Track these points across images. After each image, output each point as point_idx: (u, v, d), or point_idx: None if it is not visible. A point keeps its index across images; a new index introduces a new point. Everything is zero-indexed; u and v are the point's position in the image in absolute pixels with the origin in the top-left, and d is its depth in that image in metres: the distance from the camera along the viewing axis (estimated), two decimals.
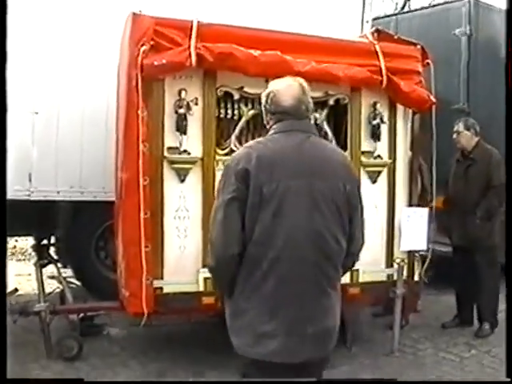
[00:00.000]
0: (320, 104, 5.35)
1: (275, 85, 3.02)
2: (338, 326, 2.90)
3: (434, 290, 7.70)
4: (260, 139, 3.04)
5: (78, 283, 6.98)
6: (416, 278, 5.94)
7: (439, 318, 6.89)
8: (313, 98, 5.09)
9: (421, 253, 6.01)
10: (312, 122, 3.15)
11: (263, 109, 3.04)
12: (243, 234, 2.68)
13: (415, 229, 5.62)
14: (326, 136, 5.36)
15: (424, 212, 5.68)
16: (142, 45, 4.68)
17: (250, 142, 3.11)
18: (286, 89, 2.97)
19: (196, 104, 4.95)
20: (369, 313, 6.66)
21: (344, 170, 2.93)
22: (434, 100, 5.58)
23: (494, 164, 6.32)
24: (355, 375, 5.19)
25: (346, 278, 5.21)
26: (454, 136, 6.46)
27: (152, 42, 4.73)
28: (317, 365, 2.86)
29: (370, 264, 5.56)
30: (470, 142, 6.46)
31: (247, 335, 2.73)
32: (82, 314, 5.68)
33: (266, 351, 2.67)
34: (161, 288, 4.84)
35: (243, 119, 5.16)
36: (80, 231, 6.95)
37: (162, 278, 4.78)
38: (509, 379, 3.51)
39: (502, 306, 6.69)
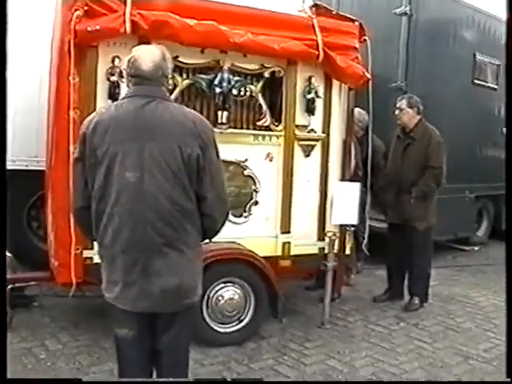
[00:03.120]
0: (255, 76, 5.36)
1: (137, 50, 3.13)
2: (185, 284, 3.10)
3: (369, 265, 7.84)
4: (110, 103, 3.20)
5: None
6: (348, 251, 6.01)
7: (371, 291, 7.04)
8: (248, 70, 5.27)
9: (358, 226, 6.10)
10: (165, 88, 3.18)
11: (124, 73, 3.18)
12: (87, 190, 3.05)
13: (347, 203, 5.69)
14: (260, 108, 5.36)
15: (355, 187, 5.75)
16: (76, 10, 4.56)
17: (101, 107, 3.24)
18: (145, 54, 3.09)
19: None
20: (302, 286, 6.70)
21: (185, 133, 3.01)
22: (369, 76, 5.60)
23: (433, 145, 6.35)
24: (284, 346, 5.27)
25: (277, 250, 5.33)
26: (396, 112, 6.46)
27: (86, 8, 4.61)
28: (166, 318, 3.15)
29: (302, 237, 5.66)
30: (412, 120, 6.46)
31: (104, 279, 3.15)
32: (11, 285, 5.56)
33: (111, 296, 3.09)
34: (91, 258, 4.79)
35: (177, 89, 5.11)
36: (12, 200, 6.79)
37: (91, 248, 4.71)
38: (509, 379, 3.59)
39: (432, 282, 6.91)
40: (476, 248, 10.24)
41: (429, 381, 4.50)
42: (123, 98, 3.16)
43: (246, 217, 5.47)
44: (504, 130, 9.81)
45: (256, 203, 5.49)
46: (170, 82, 5.02)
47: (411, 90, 7.56)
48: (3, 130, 2.81)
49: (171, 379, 3.30)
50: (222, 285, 5.20)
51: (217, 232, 3.32)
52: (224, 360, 4.94)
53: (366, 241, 6.24)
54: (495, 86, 9.79)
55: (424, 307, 6.54)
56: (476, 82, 9.40)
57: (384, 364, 5.00)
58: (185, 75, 5.14)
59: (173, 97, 5.03)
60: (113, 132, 2.97)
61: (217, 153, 3.17)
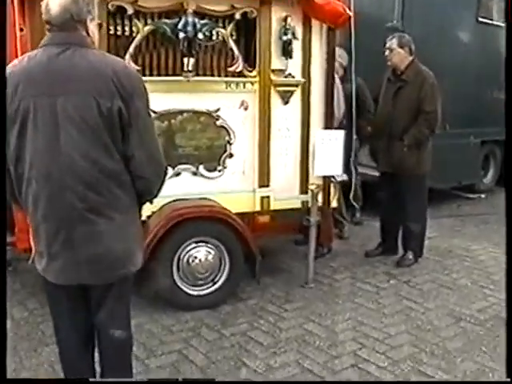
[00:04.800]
0: (225, 18, 4.91)
1: None
2: (116, 253, 2.78)
3: (367, 216, 7.45)
4: (26, 54, 2.81)
5: None
6: (334, 204, 5.61)
7: (365, 245, 6.64)
8: (217, 11, 4.79)
9: (340, 178, 5.68)
10: (84, 33, 2.74)
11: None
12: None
13: (330, 153, 5.26)
14: (232, 53, 4.93)
15: (339, 135, 5.30)
16: None
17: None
18: None
19: None
20: (291, 240, 6.30)
21: (104, 83, 2.62)
22: (351, 14, 5.10)
23: (427, 87, 5.80)
24: (262, 308, 4.94)
25: (255, 206, 4.97)
26: (387, 53, 5.91)
27: None
28: (99, 291, 2.89)
29: (283, 191, 5.28)
30: (404, 61, 5.90)
31: (33, 250, 2.86)
32: None
33: (39, 268, 2.82)
34: None
35: (138, 36, 4.69)
36: None
37: None
38: (509, 379, 3.35)
39: (432, 234, 6.52)
40: (482, 196, 9.76)
41: (430, 381, 4.09)
42: (38, 47, 2.75)
43: (219, 171, 5.09)
44: None
45: (230, 156, 5.10)
46: (133, 28, 4.67)
47: (409, 30, 6.98)
48: (3, 130, 2.44)
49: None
50: (194, 245, 4.85)
51: (153, 194, 2.97)
52: (195, 326, 4.63)
53: (353, 192, 5.82)
54: (502, 24, 9.16)
55: (418, 262, 6.13)
56: (480, 19, 8.77)
57: (367, 328, 4.64)
58: (146, 20, 4.71)
59: (134, 44, 4.65)
60: (24, 86, 2.60)
61: (146, 105, 2.78)
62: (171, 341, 4.39)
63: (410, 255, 6.09)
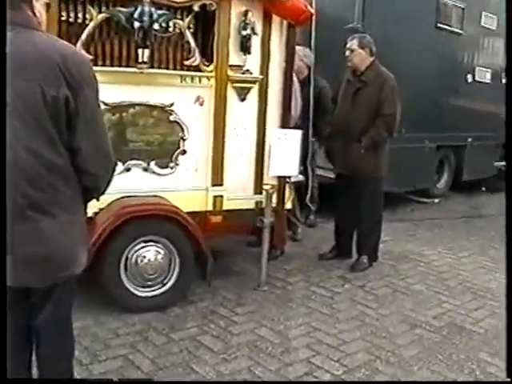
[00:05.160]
0: (183, 10, 4.72)
1: None
2: (58, 254, 2.55)
3: (322, 218, 7.33)
4: None
5: None
6: (288, 205, 5.47)
7: (319, 247, 6.52)
8: (175, 2, 4.57)
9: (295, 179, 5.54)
10: (30, 13, 2.50)
11: None
12: None
13: (286, 153, 5.10)
14: (188, 46, 4.74)
15: (296, 134, 5.15)
16: None
17: None
18: None
19: None
20: (244, 242, 6.13)
21: (50, 69, 2.40)
22: (312, 11, 4.97)
23: (387, 90, 5.70)
24: (213, 312, 4.75)
25: (207, 205, 4.81)
26: (347, 53, 5.79)
27: None
28: (40, 293, 2.68)
29: (236, 190, 5.14)
30: (364, 62, 5.79)
31: None
32: None
33: None
34: None
35: (91, 24, 4.46)
36: None
37: None
38: (509, 379, 3.31)
39: (386, 237, 6.43)
40: (436, 200, 9.79)
41: (430, 381, 3.98)
42: None
43: (172, 168, 4.89)
44: (469, 76, 9.35)
45: (184, 152, 4.91)
46: (86, 15, 4.46)
47: (369, 32, 6.89)
48: (3, 129, 2.17)
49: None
50: (143, 244, 4.63)
51: (101, 191, 2.76)
52: (142, 329, 4.41)
53: (309, 195, 5.69)
54: (460, 31, 9.19)
55: (373, 266, 6.03)
56: (439, 25, 8.76)
57: (321, 333, 4.50)
58: (100, 7, 4.48)
59: (86, 32, 4.45)
60: None
61: (96, 95, 2.57)
62: (117, 345, 4.16)
63: (365, 259, 5.98)
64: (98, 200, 2.86)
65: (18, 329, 2.79)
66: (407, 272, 6.02)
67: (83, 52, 4.25)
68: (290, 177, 5.34)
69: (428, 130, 8.82)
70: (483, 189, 11.15)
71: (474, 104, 9.97)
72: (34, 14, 2.54)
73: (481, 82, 9.99)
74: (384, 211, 6.27)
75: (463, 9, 9.13)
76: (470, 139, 10.06)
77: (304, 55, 5.95)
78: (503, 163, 11.20)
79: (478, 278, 6.01)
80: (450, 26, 8.95)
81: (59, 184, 2.50)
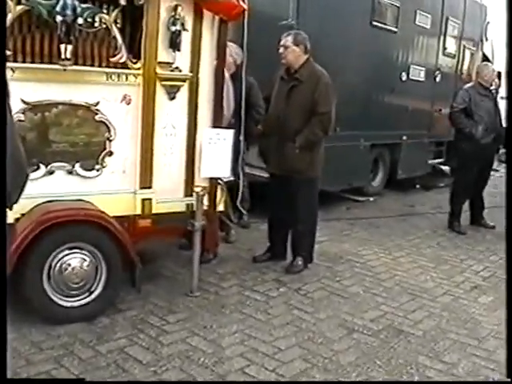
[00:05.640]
0: (109, 3, 4.46)
1: None
2: None
3: (255, 218, 7.17)
4: None
5: None
6: (221, 207, 5.29)
7: (253, 249, 6.36)
8: None
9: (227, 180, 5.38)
10: None
11: None
12: None
13: (218, 153, 4.93)
14: (115, 42, 4.50)
15: (228, 134, 4.98)
16: None
17: None
18: None
19: None
20: (175, 245, 5.93)
21: None
22: (245, 6, 4.80)
23: (321, 88, 5.56)
24: (143, 321, 4.54)
25: (136, 209, 4.64)
26: (281, 50, 5.62)
27: None
28: None
29: (166, 193, 4.92)
30: (298, 60, 5.63)
31: None
32: None
33: None
34: None
35: (9, 16, 4.16)
36: None
37: None
38: (509, 379, 3.29)
39: (321, 238, 6.33)
40: (371, 199, 9.77)
41: (429, 381, 3.86)
42: None
43: (98, 170, 4.64)
44: (403, 75, 9.36)
45: (110, 154, 4.66)
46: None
47: (303, 29, 6.76)
48: (3, 129, 1.90)
49: None
50: (67, 251, 4.38)
51: (12, 200, 2.55)
52: (67, 342, 4.15)
53: (240, 196, 5.53)
54: (395, 29, 9.18)
55: (308, 268, 5.91)
56: (374, 23, 8.71)
57: (256, 341, 4.33)
58: None
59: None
60: None
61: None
62: (39, 360, 3.90)
63: (300, 261, 5.85)
64: (10, 209, 2.63)
65: None
66: (343, 273, 5.92)
67: None
68: (221, 178, 5.16)
69: (363, 129, 8.79)
70: (417, 186, 11.23)
71: (409, 102, 10.01)
72: None
73: (415, 80, 10.02)
74: (319, 210, 6.17)
75: (398, 7, 9.11)
76: (404, 137, 10.08)
77: (236, 53, 5.77)
78: (436, 161, 11.34)
79: (415, 279, 5.96)
80: (384, 24, 8.92)
81: None
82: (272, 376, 3.87)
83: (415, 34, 9.91)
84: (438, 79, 10.65)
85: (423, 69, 10.23)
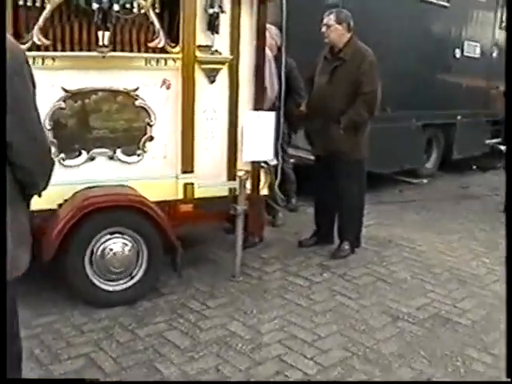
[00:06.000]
0: None
1: None
2: None
3: (302, 202, 7.09)
4: None
5: None
6: (264, 191, 5.24)
7: (299, 233, 6.29)
8: None
9: (272, 163, 5.31)
10: None
11: None
12: None
13: (260, 136, 4.88)
14: (152, 27, 4.49)
15: (270, 116, 4.92)
16: None
17: None
18: None
19: None
20: (219, 228, 5.90)
21: None
22: None
23: (365, 67, 5.42)
24: (183, 305, 4.55)
25: (178, 193, 4.65)
26: (323, 29, 5.50)
27: None
28: None
29: (208, 177, 4.90)
30: (341, 38, 5.50)
31: None
32: None
33: None
34: None
35: (48, 7, 4.19)
36: None
37: None
38: (509, 379, 3.14)
39: (370, 221, 6.23)
40: (424, 181, 9.54)
41: (429, 381, 3.76)
42: None
43: (139, 155, 4.65)
44: (457, 51, 9.07)
45: (151, 139, 4.67)
46: None
47: (348, 7, 6.61)
48: (3, 127, 1.94)
49: None
50: (108, 236, 4.42)
51: (39, 187, 2.54)
52: (108, 325, 4.21)
53: (278, 180, 5.47)
54: (446, 4, 8.88)
55: (355, 253, 5.80)
56: None
57: (296, 328, 4.28)
58: None
59: (43, 16, 4.18)
60: None
61: (27, 85, 2.34)
62: (80, 343, 3.96)
63: (346, 245, 5.75)
64: (39, 196, 2.64)
65: None
66: (391, 258, 5.79)
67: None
68: (265, 161, 5.10)
69: (415, 108, 8.56)
70: (474, 167, 10.90)
71: (463, 80, 9.67)
72: None
73: (470, 56, 9.69)
74: (370, 193, 6.07)
75: None
76: (459, 117, 9.78)
77: (274, 34, 5.69)
78: (494, 141, 10.98)
79: (466, 265, 5.74)
80: None
81: None
82: (310, 364, 3.81)
83: (469, 7, 9.54)
84: (494, 55, 10.27)
85: (478, 44, 9.88)
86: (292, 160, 7.13)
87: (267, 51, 5.35)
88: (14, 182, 2.40)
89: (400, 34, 7.98)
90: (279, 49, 5.83)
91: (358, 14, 6.01)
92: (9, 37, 2.44)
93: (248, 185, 4.98)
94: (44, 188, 2.58)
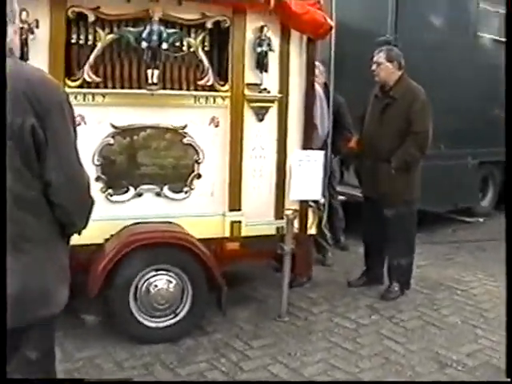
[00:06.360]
0: (195, 27, 4.53)
1: None
2: (29, 291, 2.32)
3: (352, 240, 6.98)
4: None
5: None
6: (313, 231, 5.17)
7: (349, 273, 6.18)
8: (186, 20, 4.36)
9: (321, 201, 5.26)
10: None
11: None
12: None
13: (308, 175, 4.84)
14: (202, 65, 4.53)
15: (319, 155, 4.88)
16: None
17: None
18: None
19: (37, 27, 4.04)
20: (268, 267, 5.83)
21: (14, 97, 2.19)
22: (331, 24, 4.70)
23: (417, 106, 5.34)
24: (226, 344, 4.50)
25: (225, 231, 4.59)
26: (374, 67, 5.46)
27: None
28: (15, 334, 2.39)
29: (256, 215, 4.87)
30: (392, 77, 5.45)
31: None
32: None
33: None
34: None
35: (99, 45, 4.29)
36: None
37: None
38: (509, 379, 3.13)
39: (422, 262, 6.09)
40: (480, 220, 9.27)
41: (430, 381, 3.65)
42: None
43: (186, 192, 4.67)
44: None
45: (198, 176, 4.69)
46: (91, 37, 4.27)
47: (401, 44, 6.56)
48: (3, 125, 2.03)
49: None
50: (154, 273, 4.42)
51: (77, 226, 2.54)
52: (149, 362, 4.19)
53: (325, 219, 5.40)
54: (502, 39, 8.72)
55: (405, 295, 5.66)
56: (479, 34, 8.33)
57: (339, 372, 4.17)
58: (108, 29, 4.33)
59: (94, 54, 4.29)
60: None
61: (67, 122, 2.36)
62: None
63: (396, 287, 5.61)
64: (79, 235, 2.65)
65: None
66: (442, 302, 5.61)
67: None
68: (313, 200, 5.05)
69: (470, 146, 8.38)
70: None
71: None
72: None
73: None
74: (422, 232, 5.93)
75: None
76: None
77: (320, 72, 5.67)
78: None
79: None
80: (490, 34, 8.50)
81: (29, 218, 2.31)
82: None
83: None
84: None
85: None
86: (342, 197, 7.05)
87: (318, 88, 5.35)
88: (54, 221, 2.41)
89: (455, 68, 7.85)
90: (325, 85, 5.81)
91: (412, 49, 5.95)
92: (43, 72, 2.47)
93: (296, 224, 4.91)
94: (83, 227, 2.58)
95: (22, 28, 3.81)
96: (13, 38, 2.44)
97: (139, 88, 4.39)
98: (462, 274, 6.49)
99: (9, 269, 2.29)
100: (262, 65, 4.62)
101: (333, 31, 4.84)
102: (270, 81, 4.72)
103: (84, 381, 3.59)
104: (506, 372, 3.14)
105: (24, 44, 3.93)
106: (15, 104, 2.21)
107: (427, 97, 5.42)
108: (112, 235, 4.41)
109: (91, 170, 4.28)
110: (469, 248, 7.70)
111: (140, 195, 4.55)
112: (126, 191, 4.51)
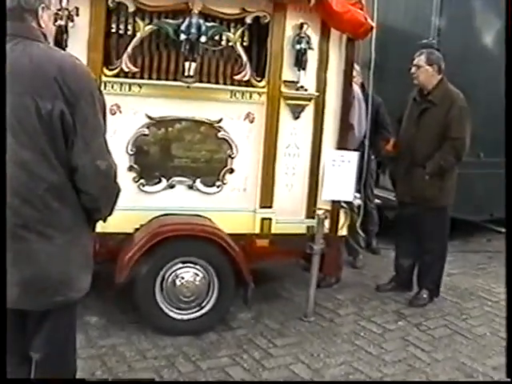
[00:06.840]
0: (234, 22, 4.51)
1: None
2: (53, 276, 2.39)
3: (383, 245, 6.91)
4: None
5: None
6: (344, 232, 5.12)
7: (378, 277, 6.12)
8: (226, 14, 4.36)
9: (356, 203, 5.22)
10: (34, 24, 2.40)
11: None
12: None
13: (341, 176, 4.79)
14: (239, 60, 4.52)
15: (353, 156, 4.84)
16: None
17: None
18: None
19: (77, 15, 4.07)
20: (297, 265, 5.80)
21: (45, 82, 2.25)
22: (373, 24, 4.64)
23: (455, 111, 5.25)
24: (250, 341, 4.49)
25: (255, 228, 4.58)
26: (413, 70, 5.38)
27: None
28: (35, 317, 2.52)
29: (287, 213, 4.84)
30: (431, 80, 5.36)
31: None
32: None
33: None
34: None
35: (138, 35, 4.31)
36: None
37: None
38: (509, 379, 3.16)
39: (453, 270, 6.00)
40: None
41: (430, 381, 3.59)
42: None
43: (218, 186, 4.67)
44: None
45: (231, 171, 4.68)
46: (130, 27, 4.29)
47: (444, 48, 6.45)
48: (3, 129, 2.26)
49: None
50: (181, 265, 4.43)
51: (102, 213, 2.57)
52: (172, 353, 4.20)
53: (360, 220, 5.35)
54: None
55: (434, 302, 5.57)
56: None
57: (361, 376, 4.13)
58: (147, 19, 4.34)
59: (133, 44, 4.31)
60: None
61: (97, 110, 2.40)
62: (141, 368, 3.97)
63: (425, 294, 5.54)
64: (104, 221, 2.67)
65: (17, 357, 2.62)
66: (471, 311, 5.52)
67: (129, 66, 4.16)
68: (346, 201, 5.00)
69: None
70: None
71: None
72: (39, 24, 2.42)
73: None
74: (456, 240, 5.85)
75: None
76: None
77: (357, 73, 5.62)
78: None
79: None
80: None
81: (55, 203, 2.36)
82: None
83: None
84: None
85: None
86: (377, 201, 6.98)
87: (356, 88, 5.31)
88: (79, 207, 2.43)
89: (497, 76, 7.70)
90: (363, 86, 5.77)
91: (455, 54, 5.85)
92: (74, 58, 2.48)
93: (326, 224, 4.88)
94: (108, 214, 2.60)
95: (60, 15, 3.86)
96: (48, 23, 2.48)
97: (175, 80, 4.40)
98: (493, 285, 6.37)
99: (31, 252, 2.32)
100: (300, 62, 4.58)
101: (373, 32, 4.75)
102: (308, 79, 4.68)
103: (85, 381, 3.58)
104: (506, 372, 3.12)
105: (64, 31, 3.99)
106: (46, 89, 2.25)
107: (467, 103, 5.33)
108: (142, 225, 4.42)
109: (124, 160, 4.31)
110: (502, 258, 7.52)
111: (172, 187, 4.56)
112: (158, 182, 4.52)
